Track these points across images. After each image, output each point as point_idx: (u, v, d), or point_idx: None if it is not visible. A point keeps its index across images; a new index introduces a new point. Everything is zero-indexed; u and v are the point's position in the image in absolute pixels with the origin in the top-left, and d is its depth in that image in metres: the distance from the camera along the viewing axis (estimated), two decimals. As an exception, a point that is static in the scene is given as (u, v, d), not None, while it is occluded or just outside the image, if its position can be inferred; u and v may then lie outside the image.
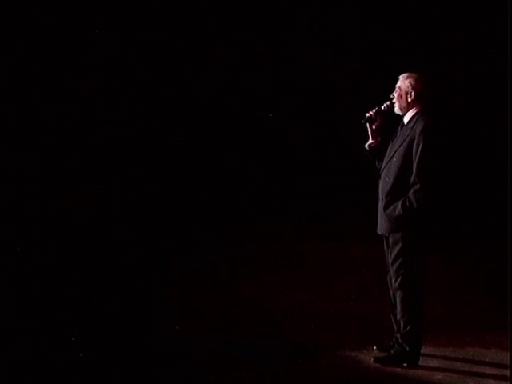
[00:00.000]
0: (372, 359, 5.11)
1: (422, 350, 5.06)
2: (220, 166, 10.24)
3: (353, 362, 5.13)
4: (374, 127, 5.25)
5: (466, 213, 9.13)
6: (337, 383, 4.84)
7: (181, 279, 7.03)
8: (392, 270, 5.05)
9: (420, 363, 5.03)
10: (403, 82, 5.10)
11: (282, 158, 10.33)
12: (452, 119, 9.20)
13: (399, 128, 5.16)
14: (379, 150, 5.22)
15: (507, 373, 4.84)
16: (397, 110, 5.14)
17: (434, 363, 5.10)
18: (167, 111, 10.18)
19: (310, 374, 4.94)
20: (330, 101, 10.31)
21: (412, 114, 5.08)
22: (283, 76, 10.45)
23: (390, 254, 5.05)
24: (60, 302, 6.16)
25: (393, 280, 5.06)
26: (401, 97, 5.10)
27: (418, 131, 4.94)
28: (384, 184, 5.07)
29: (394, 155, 5.05)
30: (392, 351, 5.08)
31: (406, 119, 5.11)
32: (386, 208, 5.01)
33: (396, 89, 5.12)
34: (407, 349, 5.00)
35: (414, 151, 4.93)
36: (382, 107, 5.19)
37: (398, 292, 5.01)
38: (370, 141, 5.28)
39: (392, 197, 4.98)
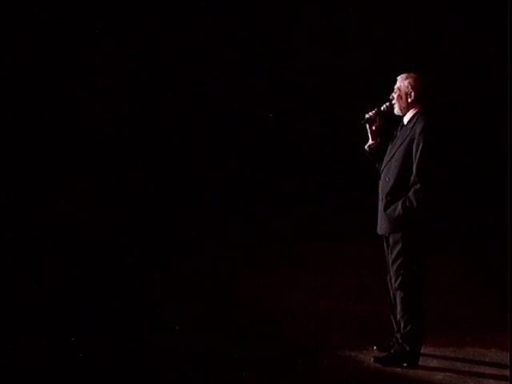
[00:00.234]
0: (372, 359, 5.11)
1: (422, 350, 5.06)
2: (220, 166, 10.24)
3: (353, 362, 5.13)
4: (373, 128, 5.25)
5: (465, 213, 9.13)
6: (337, 383, 4.84)
7: (181, 279, 7.03)
8: (392, 270, 5.05)
9: (420, 363, 5.03)
10: (402, 83, 5.09)
11: (282, 158, 10.33)
12: (452, 119, 9.19)
13: (399, 128, 5.16)
14: (379, 150, 5.22)
15: (507, 373, 4.84)
16: (396, 111, 5.13)
17: (434, 363, 5.10)
18: (167, 111, 10.17)
19: (310, 374, 4.94)
20: (330, 101, 10.31)
21: (412, 114, 5.07)
22: (283, 76, 10.45)
23: (390, 254, 5.05)
24: (60, 301, 6.16)
25: (393, 280, 5.06)
26: (401, 97, 5.09)
27: (417, 131, 4.94)
28: (384, 184, 5.07)
29: (393, 155, 5.05)
30: (392, 351, 5.09)
31: (405, 119, 5.11)
32: (386, 208, 5.01)
33: (395, 90, 5.12)
34: (407, 349, 5.00)
35: (413, 151, 4.93)
36: (382, 108, 5.19)
37: (398, 292, 5.01)
38: (370, 142, 5.28)
39: (392, 197, 4.98)
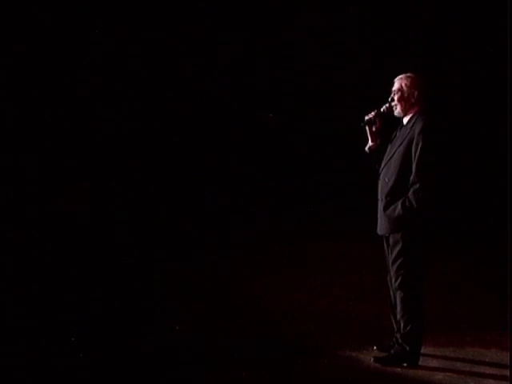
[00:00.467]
0: (372, 359, 5.11)
1: (422, 350, 5.06)
2: (220, 166, 10.24)
3: (353, 362, 5.13)
4: (373, 130, 5.25)
5: (466, 213, 9.13)
6: (337, 383, 4.84)
7: (181, 279, 7.03)
8: (392, 270, 5.05)
9: (420, 363, 5.03)
10: (403, 83, 5.06)
11: (282, 158, 10.33)
12: (452, 119, 9.20)
13: (398, 129, 5.15)
14: (379, 152, 5.21)
15: (507, 373, 4.83)
16: (397, 112, 5.10)
17: (434, 363, 5.10)
18: (167, 111, 10.18)
19: (310, 374, 4.94)
20: (330, 101, 10.31)
21: (411, 115, 5.07)
22: (283, 76, 10.45)
23: (390, 254, 5.05)
24: (60, 301, 6.16)
25: (393, 280, 5.06)
26: (403, 98, 5.05)
27: (417, 131, 4.93)
28: (383, 184, 5.06)
29: (393, 155, 5.04)
30: (392, 351, 5.08)
31: (405, 120, 5.10)
32: (385, 208, 5.00)
33: (395, 91, 5.08)
34: (407, 349, 5.00)
35: (413, 151, 4.92)
36: (381, 110, 5.18)
37: (398, 292, 5.01)
38: (370, 143, 5.28)
39: (392, 197, 4.97)
